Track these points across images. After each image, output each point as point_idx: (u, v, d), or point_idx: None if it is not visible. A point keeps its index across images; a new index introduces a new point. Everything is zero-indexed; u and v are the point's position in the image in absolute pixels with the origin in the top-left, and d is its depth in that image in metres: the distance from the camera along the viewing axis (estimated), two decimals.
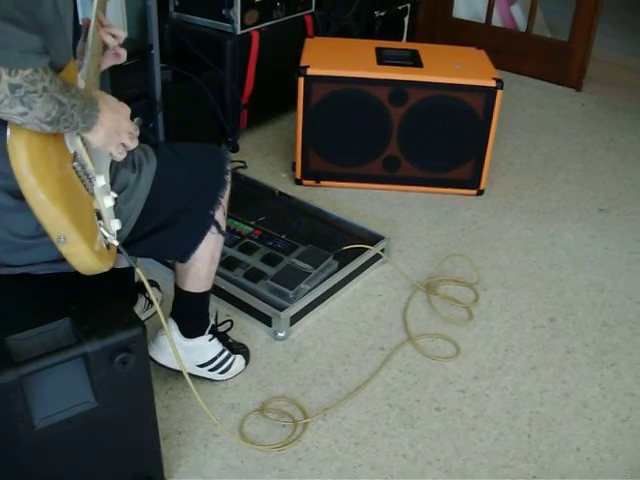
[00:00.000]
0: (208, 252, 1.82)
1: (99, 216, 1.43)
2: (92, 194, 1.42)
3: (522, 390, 2.10)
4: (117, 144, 1.45)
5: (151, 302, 2.26)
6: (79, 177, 1.38)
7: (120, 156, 1.47)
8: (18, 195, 1.35)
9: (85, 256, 1.36)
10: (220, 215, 1.80)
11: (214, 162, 1.79)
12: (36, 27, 1.22)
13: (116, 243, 1.46)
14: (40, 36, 1.21)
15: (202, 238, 1.77)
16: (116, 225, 1.48)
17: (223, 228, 1.84)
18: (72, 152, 1.37)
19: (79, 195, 1.37)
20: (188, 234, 1.76)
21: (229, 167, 1.82)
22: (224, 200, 1.81)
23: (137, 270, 1.51)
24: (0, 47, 1.16)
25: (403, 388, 2.09)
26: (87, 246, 1.35)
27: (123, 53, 1.73)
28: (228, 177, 1.81)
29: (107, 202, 1.46)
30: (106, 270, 1.44)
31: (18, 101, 1.19)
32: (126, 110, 1.48)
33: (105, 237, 1.44)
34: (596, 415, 2.03)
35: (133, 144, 1.49)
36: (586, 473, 1.85)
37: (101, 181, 1.44)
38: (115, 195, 1.50)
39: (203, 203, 1.76)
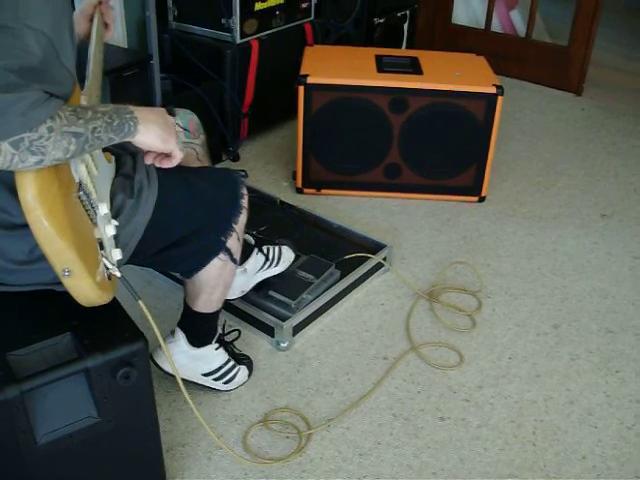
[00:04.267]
0: (221, 280, 1.80)
1: (101, 246, 1.38)
2: (95, 223, 1.37)
3: (526, 398, 2.09)
4: (174, 140, 1.42)
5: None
6: (84, 207, 1.33)
7: (181, 155, 1.46)
8: (8, 227, 1.33)
9: (88, 289, 1.31)
10: (233, 242, 1.75)
11: (227, 187, 1.74)
12: (32, 76, 1.15)
13: (118, 274, 1.40)
14: (42, 85, 1.15)
15: (208, 262, 1.73)
16: (117, 255, 1.42)
17: (236, 256, 1.79)
18: (77, 181, 1.33)
19: (85, 226, 1.33)
20: (194, 257, 1.72)
21: (244, 191, 1.76)
22: (238, 226, 1.75)
23: (140, 303, 1.44)
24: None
25: (407, 398, 2.08)
26: (91, 279, 1.30)
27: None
28: (243, 202, 1.75)
29: (109, 231, 1.40)
30: (107, 302, 1.39)
31: (28, 153, 1.14)
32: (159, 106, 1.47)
33: (107, 268, 1.38)
34: (601, 423, 2.02)
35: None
36: None
37: (103, 209, 1.39)
38: (116, 223, 1.44)
39: (215, 229, 1.71)
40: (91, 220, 1.36)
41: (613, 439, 1.97)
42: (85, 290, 1.32)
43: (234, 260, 1.79)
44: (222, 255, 1.75)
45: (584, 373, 2.19)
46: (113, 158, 1.55)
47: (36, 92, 1.14)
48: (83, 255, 1.27)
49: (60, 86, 1.24)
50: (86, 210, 1.34)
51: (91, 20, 1.71)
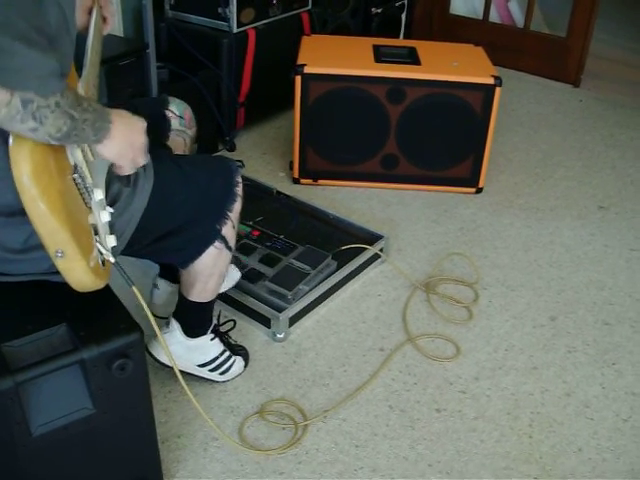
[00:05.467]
0: (216, 269, 1.79)
1: (95, 231, 1.38)
2: (89, 208, 1.38)
3: (523, 390, 2.09)
4: (131, 158, 1.43)
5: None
6: (79, 190, 1.34)
7: (130, 171, 1.46)
8: (6, 214, 1.32)
9: (82, 272, 1.32)
10: (228, 230, 1.75)
11: (221, 175, 1.74)
12: (49, 43, 1.19)
13: (112, 260, 1.40)
14: (56, 55, 1.19)
15: (203, 251, 1.73)
16: (112, 241, 1.42)
17: (231, 244, 1.79)
18: (73, 164, 1.33)
19: (79, 208, 1.34)
20: (190, 245, 1.72)
21: (239, 179, 1.76)
22: (233, 214, 1.76)
23: (134, 289, 1.44)
24: (15, 71, 1.14)
25: (403, 389, 2.08)
26: (85, 262, 1.31)
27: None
28: (238, 189, 1.75)
29: (104, 217, 1.40)
30: (101, 287, 1.39)
31: (30, 116, 1.17)
32: (141, 123, 1.45)
33: (101, 253, 1.39)
34: (597, 415, 2.02)
35: (144, 161, 1.47)
36: (588, 474, 1.84)
37: (99, 195, 1.39)
38: (111, 210, 1.44)
39: (210, 217, 1.71)
40: (86, 204, 1.36)
41: (609, 431, 1.97)
42: (78, 273, 1.32)
43: (229, 248, 1.79)
44: (217, 243, 1.75)
45: (580, 365, 2.19)
46: None
47: (55, 63, 1.18)
48: (77, 237, 1.28)
49: (64, 59, 1.28)
50: (81, 193, 1.35)
51: (90, 13, 1.70)
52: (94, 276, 1.34)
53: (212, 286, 1.85)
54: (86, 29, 1.66)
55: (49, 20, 1.21)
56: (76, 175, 1.33)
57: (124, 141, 1.40)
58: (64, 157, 1.31)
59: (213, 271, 1.80)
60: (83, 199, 1.35)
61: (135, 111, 1.63)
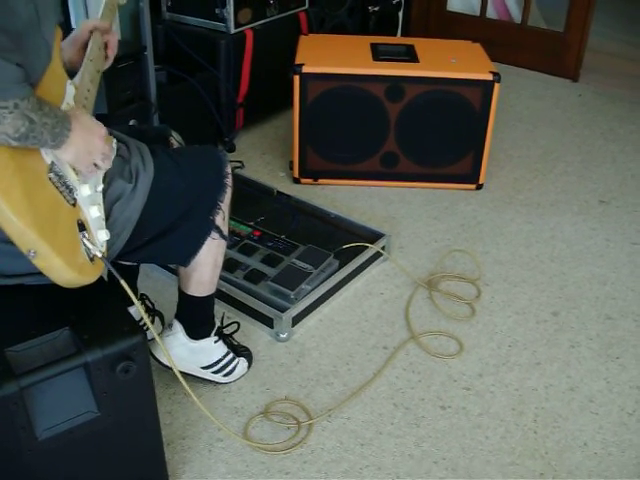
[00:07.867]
0: (211, 257, 1.80)
1: (82, 227, 1.39)
2: (73, 205, 1.38)
3: (527, 386, 2.09)
4: (87, 164, 1.42)
5: (154, 312, 2.22)
6: (57, 188, 1.34)
7: (90, 175, 1.45)
8: None
9: (61, 270, 1.31)
10: (221, 219, 1.77)
11: (212, 166, 1.75)
12: (13, 40, 1.20)
13: (99, 254, 1.41)
14: (21, 56, 1.20)
15: (202, 244, 1.74)
16: (103, 236, 1.43)
17: (225, 232, 1.80)
18: (49, 162, 1.34)
19: (56, 207, 1.33)
20: (188, 240, 1.73)
21: (228, 170, 1.78)
22: (224, 204, 1.77)
23: (122, 284, 1.45)
24: None
25: (407, 387, 2.07)
26: (62, 259, 1.30)
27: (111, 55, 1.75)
28: (228, 180, 1.77)
29: (93, 212, 1.42)
30: (90, 282, 1.40)
31: None
32: (101, 130, 1.45)
33: (89, 249, 1.39)
34: (602, 409, 2.02)
35: (105, 165, 1.46)
36: (594, 469, 1.84)
37: (85, 191, 1.40)
38: (103, 205, 1.45)
39: (202, 208, 1.72)
40: (67, 202, 1.37)
41: (614, 425, 1.97)
42: (58, 271, 1.32)
43: (224, 237, 1.81)
44: (213, 234, 1.76)
45: (584, 360, 2.19)
46: (114, 140, 1.54)
47: (20, 70, 1.20)
48: (50, 236, 1.28)
49: (36, 55, 1.29)
50: (60, 192, 1.35)
51: (84, 48, 1.66)
52: (77, 272, 1.34)
53: (208, 277, 1.85)
54: (77, 65, 1.63)
55: (19, 14, 1.23)
56: (52, 174, 1.34)
57: (82, 148, 1.39)
58: (35, 157, 1.32)
59: (207, 260, 1.81)
60: (64, 197, 1.36)
61: (142, 135, 1.65)
